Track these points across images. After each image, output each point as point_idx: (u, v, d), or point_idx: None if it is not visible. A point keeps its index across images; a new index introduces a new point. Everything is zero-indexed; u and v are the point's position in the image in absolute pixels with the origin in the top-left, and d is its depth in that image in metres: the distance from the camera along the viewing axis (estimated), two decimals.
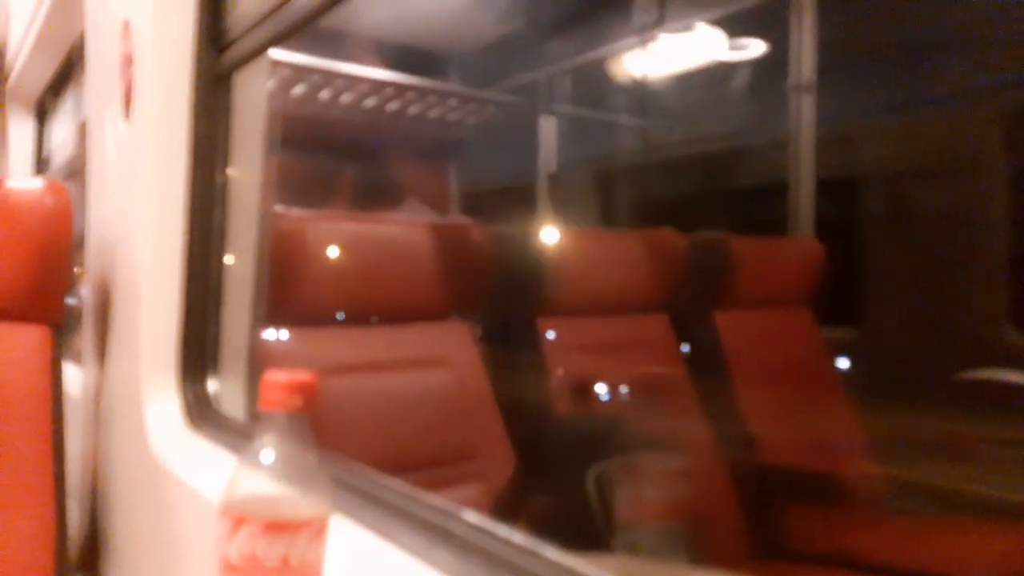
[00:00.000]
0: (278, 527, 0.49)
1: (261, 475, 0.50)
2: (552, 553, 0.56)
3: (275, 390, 0.50)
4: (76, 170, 2.24)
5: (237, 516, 0.49)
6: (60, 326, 1.15)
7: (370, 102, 2.21)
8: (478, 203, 2.73)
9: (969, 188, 1.79)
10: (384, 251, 1.41)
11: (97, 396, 1.31)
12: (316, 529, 0.50)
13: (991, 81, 1.73)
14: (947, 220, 1.79)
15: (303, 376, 0.51)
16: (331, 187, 2.17)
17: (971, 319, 1.75)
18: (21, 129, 2.99)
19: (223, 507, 0.50)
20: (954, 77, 1.75)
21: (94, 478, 1.29)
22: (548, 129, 2.79)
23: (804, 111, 2.08)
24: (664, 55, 2.30)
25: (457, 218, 2.50)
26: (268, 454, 0.50)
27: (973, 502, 1.35)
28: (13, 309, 1.11)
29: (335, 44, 2.11)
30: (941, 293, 1.77)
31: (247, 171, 1.13)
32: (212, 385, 1.09)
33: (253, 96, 1.13)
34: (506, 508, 1.32)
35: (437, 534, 0.63)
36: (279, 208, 1.30)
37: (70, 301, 1.22)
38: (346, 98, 2.13)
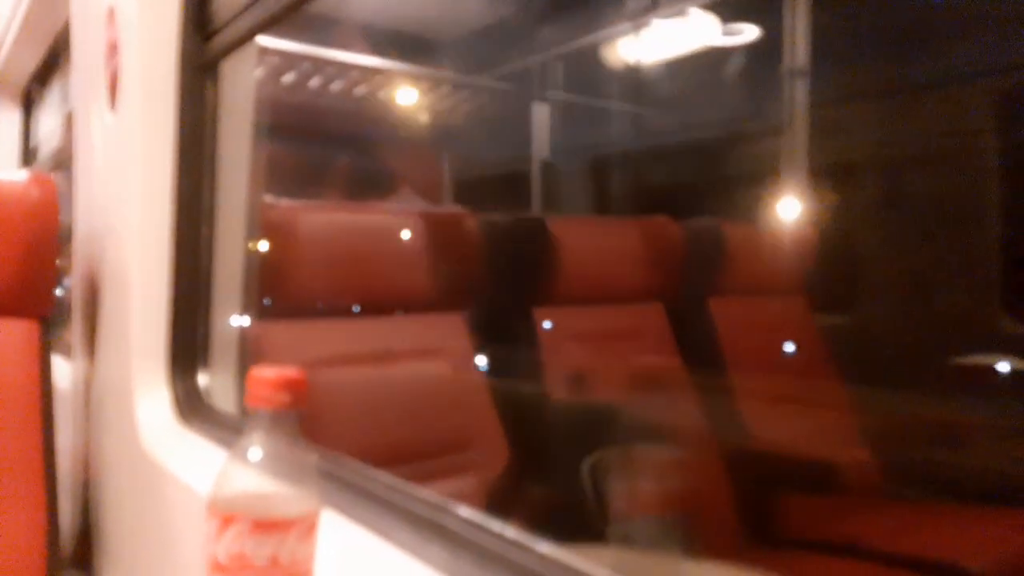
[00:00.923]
0: (267, 526, 0.48)
1: (249, 473, 0.50)
2: (545, 547, 0.55)
3: (262, 386, 0.49)
4: (63, 161, 2.21)
5: (225, 515, 0.48)
6: (48, 319, 1.14)
7: (361, 89, 2.19)
8: (471, 191, 2.71)
9: (963, 173, 1.78)
10: (376, 241, 1.40)
11: (87, 390, 1.30)
12: (306, 527, 0.50)
13: (985, 64, 1.72)
14: (940, 206, 1.79)
15: (290, 372, 0.50)
16: (322, 176, 2.15)
17: (965, 306, 1.75)
18: (7, 120, 2.95)
19: (211, 506, 0.49)
20: (948, 60, 1.74)
21: (85, 473, 1.28)
22: (541, 116, 2.77)
23: (798, 96, 2.06)
24: (657, 40, 2.28)
25: (450, 207, 2.49)
26: (256, 452, 0.49)
27: (967, 487, 1.35)
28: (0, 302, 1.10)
29: (324, 31, 2.09)
30: (935, 280, 1.77)
31: (235, 161, 1.11)
32: (203, 379, 1.08)
33: (240, 84, 1.11)
34: (500, 499, 1.32)
35: (429, 529, 0.62)
36: (269, 198, 1.29)
37: (58, 294, 1.21)
38: (336, 85, 2.11)
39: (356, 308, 1.35)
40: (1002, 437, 1.42)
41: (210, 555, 0.48)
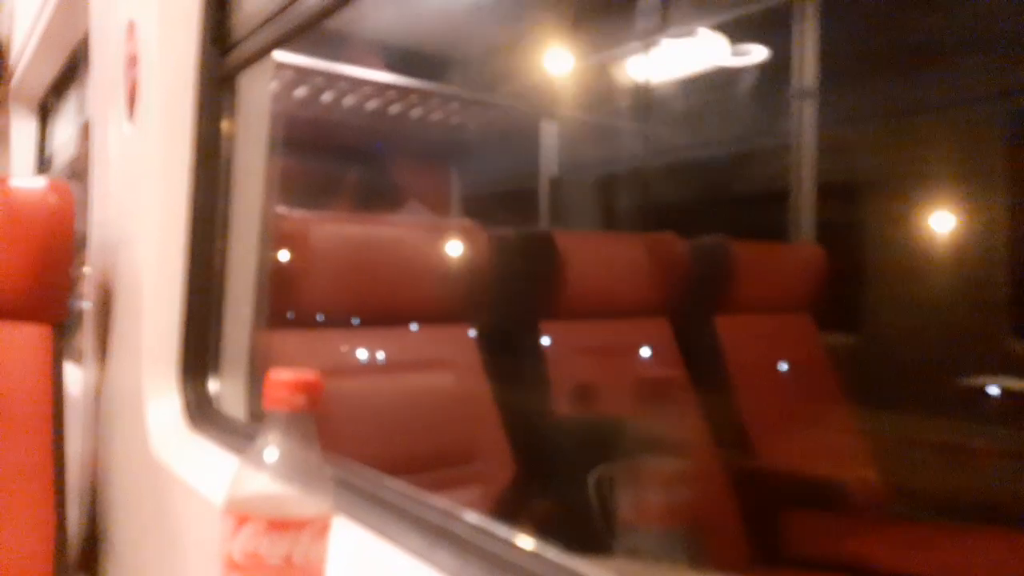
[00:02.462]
0: (281, 525, 0.49)
1: (264, 474, 0.50)
2: (553, 554, 0.56)
3: (280, 389, 0.50)
4: (78, 171, 2.24)
5: (240, 514, 0.49)
6: (62, 326, 1.16)
7: (373, 104, 2.21)
8: (480, 206, 2.73)
9: (969, 195, 1.79)
10: (385, 253, 1.41)
11: (98, 396, 1.31)
12: (319, 528, 0.50)
13: (994, 86, 1.73)
14: (949, 227, 1.79)
15: (308, 375, 0.51)
16: (333, 189, 2.17)
17: (972, 327, 1.75)
18: (24, 129, 2.99)
19: (226, 505, 0.50)
20: (956, 82, 1.75)
21: (94, 478, 1.29)
22: (550, 133, 2.79)
23: (806, 117, 2.08)
24: (667, 60, 2.31)
25: (458, 221, 2.50)
26: (271, 452, 0.50)
27: (975, 508, 1.35)
28: (14, 308, 1.11)
29: (338, 47, 2.12)
30: (943, 300, 1.77)
31: (250, 172, 1.13)
32: (213, 385, 1.09)
33: (257, 98, 1.13)
34: (506, 511, 1.32)
35: (438, 535, 0.63)
36: (282, 209, 1.30)
37: (72, 301, 1.23)
38: (349, 100, 2.14)
39: (365, 318, 1.36)
40: (1010, 458, 1.42)
41: (225, 554, 0.49)
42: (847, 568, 1.36)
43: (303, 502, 0.50)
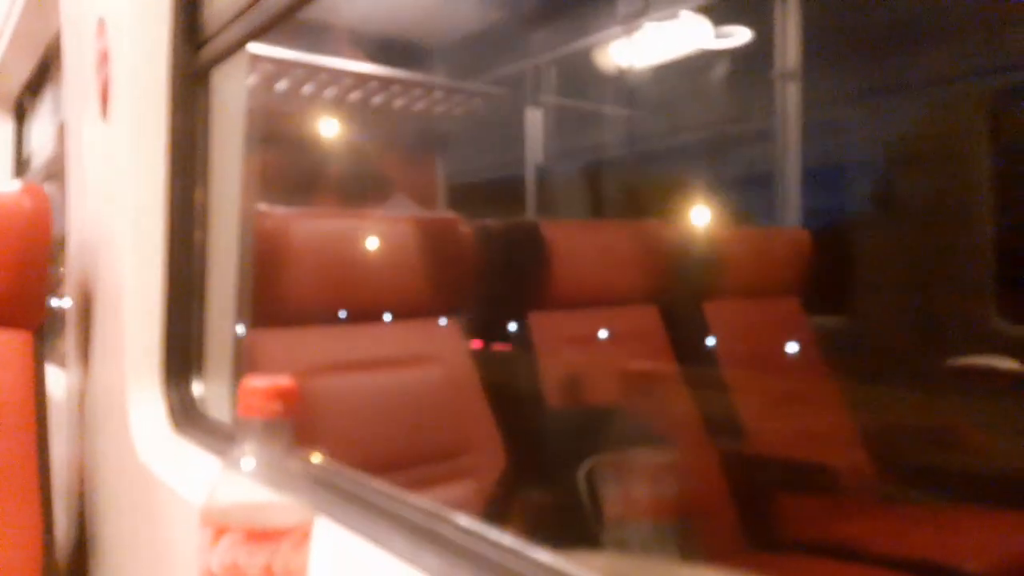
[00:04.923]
0: (260, 535, 0.48)
1: (242, 483, 0.49)
2: (541, 555, 0.55)
3: (254, 396, 0.49)
4: (55, 172, 2.21)
5: (218, 525, 0.48)
6: (42, 330, 1.14)
7: (354, 96, 2.19)
8: (466, 197, 2.72)
9: (956, 175, 1.79)
10: (370, 248, 1.40)
11: (81, 400, 1.30)
12: (299, 536, 0.49)
13: (978, 66, 1.73)
14: (934, 208, 1.79)
15: (282, 381, 0.50)
16: (317, 184, 2.15)
17: (959, 307, 1.75)
18: None
19: (204, 516, 0.49)
20: (940, 63, 1.74)
21: (79, 482, 1.28)
22: (535, 120, 2.77)
23: (790, 99, 2.07)
24: (649, 44, 2.29)
25: (444, 213, 2.48)
26: (248, 461, 0.49)
27: (965, 489, 1.35)
28: None
29: (317, 38, 2.09)
30: (928, 281, 1.77)
31: (227, 169, 1.11)
32: (197, 387, 1.08)
33: (232, 93, 1.11)
34: (497, 504, 1.32)
35: (425, 537, 0.62)
36: (262, 206, 1.28)
37: (51, 304, 1.21)
38: (330, 92, 2.12)
39: (351, 314, 1.35)
40: (997, 438, 1.42)
41: (204, 565, 0.48)
42: (842, 552, 1.36)
43: (281, 511, 0.49)
